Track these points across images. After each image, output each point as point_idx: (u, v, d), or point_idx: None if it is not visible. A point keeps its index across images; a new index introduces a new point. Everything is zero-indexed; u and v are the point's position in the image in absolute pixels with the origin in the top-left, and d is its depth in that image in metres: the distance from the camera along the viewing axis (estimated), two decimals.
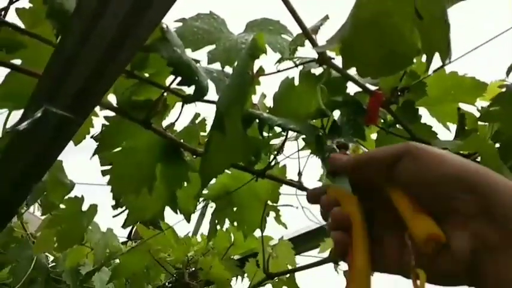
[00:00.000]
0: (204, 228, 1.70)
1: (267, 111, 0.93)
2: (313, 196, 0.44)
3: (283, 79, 0.90)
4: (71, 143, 0.93)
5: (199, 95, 0.74)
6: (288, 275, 1.24)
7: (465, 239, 0.34)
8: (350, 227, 0.38)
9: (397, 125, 0.89)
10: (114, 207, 1.12)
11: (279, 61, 0.81)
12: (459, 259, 0.34)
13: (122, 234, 1.90)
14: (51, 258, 1.88)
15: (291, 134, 1.04)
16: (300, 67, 0.85)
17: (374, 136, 0.98)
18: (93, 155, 0.92)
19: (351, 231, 0.37)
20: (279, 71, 0.85)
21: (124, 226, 1.98)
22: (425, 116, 0.96)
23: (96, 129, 1.05)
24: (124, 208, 1.14)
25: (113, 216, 1.23)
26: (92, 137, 1.02)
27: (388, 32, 0.50)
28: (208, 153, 0.75)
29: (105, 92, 0.78)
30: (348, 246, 0.37)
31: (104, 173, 1.00)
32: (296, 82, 0.88)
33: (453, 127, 0.96)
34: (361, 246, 0.37)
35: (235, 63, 0.79)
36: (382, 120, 0.91)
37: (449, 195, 0.35)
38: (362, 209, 0.39)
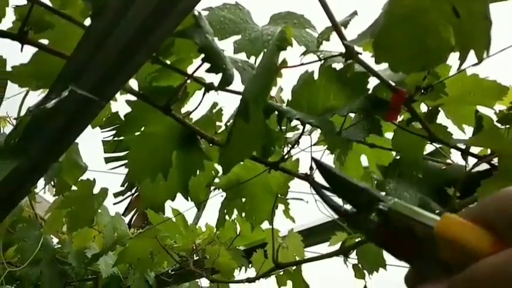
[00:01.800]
0: (204, 219, 1.70)
1: (284, 104, 0.93)
2: None
3: (303, 73, 0.90)
4: None
5: (225, 84, 0.75)
6: (294, 267, 1.25)
7: None
8: None
9: (413, 123, 0.89)
10: (118, 194, 1.13)
11: (304, 54, 0.81)
12: None
13: None
14: (55, 240, 1.89)
15: (305, 127, 1.05)
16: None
17: (388, 135, 0.99)
18: (113, 138, 0.93)
19: None
20: (302, 64, 0.85)
21: (124, 214, 1.98)
22: (439, 116, 0.97)
23: None
24: (126, 196, 1.14)
25: (114, 204, 1.24)
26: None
27: (424, 28, 0.51)
28: (230, 141, 0.76)
29: (131, 75, 0.78)
30: None
31: (107, 159, 1.00)
32: (315, 76, 0.89)
33: (468, 129, 0.97)
34: None
35: (261, 54, 0.79)
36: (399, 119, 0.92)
37: None
38: None
